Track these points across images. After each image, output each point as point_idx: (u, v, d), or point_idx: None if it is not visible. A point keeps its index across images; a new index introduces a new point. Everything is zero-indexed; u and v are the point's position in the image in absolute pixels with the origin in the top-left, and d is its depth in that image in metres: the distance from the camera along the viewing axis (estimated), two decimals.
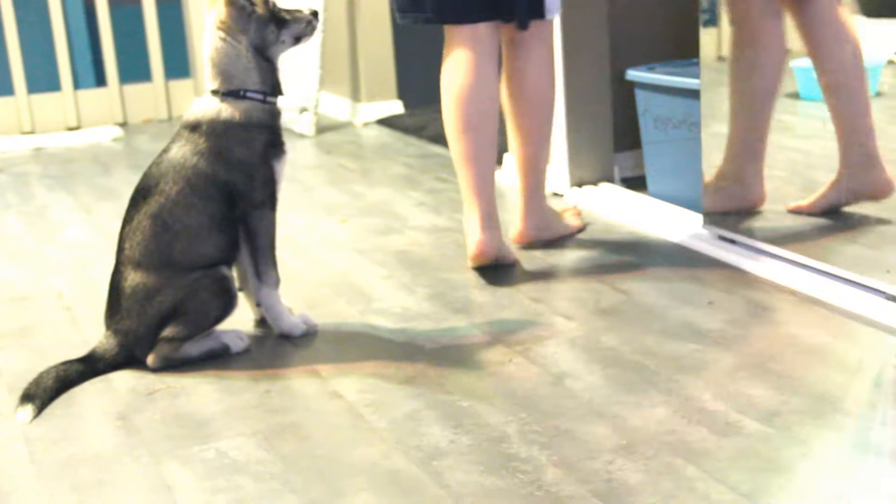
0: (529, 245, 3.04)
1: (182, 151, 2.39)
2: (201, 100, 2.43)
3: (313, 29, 2.47)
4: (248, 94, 2.39)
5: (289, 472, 1.91)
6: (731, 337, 2.37)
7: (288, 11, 2.44)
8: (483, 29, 2.83)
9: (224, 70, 2.39)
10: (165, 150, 2.42)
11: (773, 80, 2.92)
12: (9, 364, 2.47)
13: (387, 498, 1.80)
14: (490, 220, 2.83)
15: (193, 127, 2.40)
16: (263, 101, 2.41)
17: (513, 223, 3.08)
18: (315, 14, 2.47)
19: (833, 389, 2.08)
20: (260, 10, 2.39)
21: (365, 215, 3.57)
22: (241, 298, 2.52)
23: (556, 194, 3.60)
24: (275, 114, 2.44)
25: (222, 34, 2.37)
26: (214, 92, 2.40)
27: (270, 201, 2.45)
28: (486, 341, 2.44)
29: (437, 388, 2.21)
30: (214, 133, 2.38)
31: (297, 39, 2.45)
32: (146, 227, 2.37)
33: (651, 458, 1.87)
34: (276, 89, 2.44)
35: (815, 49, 2.85)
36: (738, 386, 2.12)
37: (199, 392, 2.26)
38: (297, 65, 4.87)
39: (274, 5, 2.42)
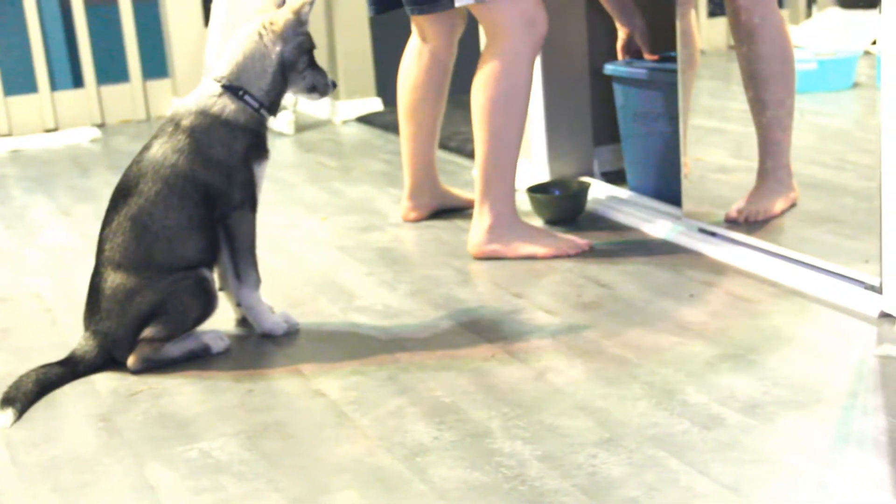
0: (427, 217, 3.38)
1: (163, 149, 2.39)
2: (200, 86, 2.44)
3: (327, 90, 2.52)
4: (246, 98, 2.40)
5: (272, 471, 1.90)
6: (712, 329, 2.37)
7: (317, 64, 2.51)
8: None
9: (241, 64, 2.41)
10: (147, 147, 2.42)
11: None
12: None
13: (371, 495, 1.80)
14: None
15: (178, 122, 2.39)
16: (256, 111, 2.41)
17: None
18: (334, 84, 2.54)
19: (814, 380, 2.09)
20: (307, 38, 2.45)
21: (345, 213, 3.57)
22: (222, 298, 2.51)
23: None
24: (262, 121, 2.44)
25: (263, 32, 2.40)
26: (218, 79, 2.41)
27: (250, 203, 2.44)
28: (468, 337, 2.44)
29: (419, 384, 2.21)
30: (198, 128, 2.38)
31: (313, 88, 2.50)
32: (126, 228, 2.36)
33: (634, 451, 1.87)
34: (272, 108, 2.45)
35: (742, 38, 2.88)
36: (719, 378, 2.13)
37: (182, 393, 2.26)
38: None
39: (314, 48, 2.49)
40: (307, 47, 2.45)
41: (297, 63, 2.44)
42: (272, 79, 2.42)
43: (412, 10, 2.97)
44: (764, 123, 2.90)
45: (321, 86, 2.51)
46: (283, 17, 2.40)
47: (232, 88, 2.40)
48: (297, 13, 2.41)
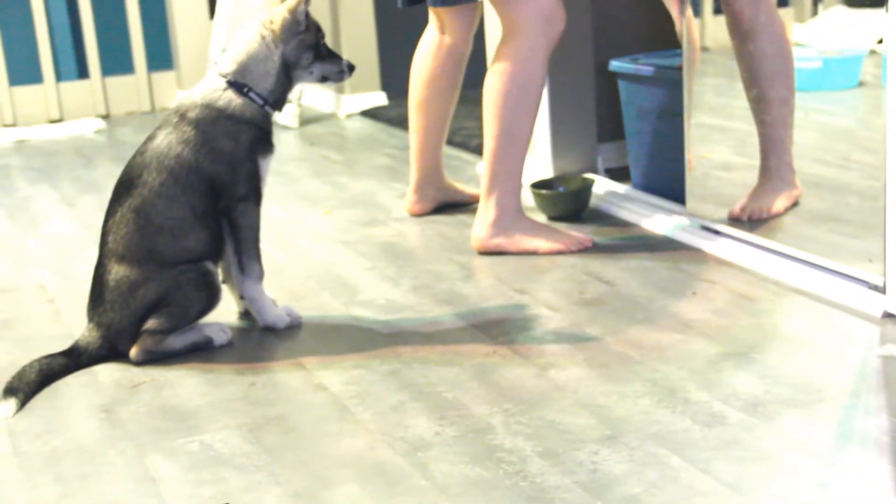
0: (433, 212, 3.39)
1: (168, 140, 2.39)
2: (205, 79, 2.44)
3: (342, 77, 2.51)
4: (251, 94, 2.40)
5: (274, 465, 1.91)
6: (714, 327, 2.37)
7: (329, 51, 2.49)
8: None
9: (245, 64, 2.41)
10: (151, 138, 2.42)
11: None
12: None
13: (372, 489, 1.80)
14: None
15: (184, 114, 2.39)
16: (261, 107, 2.41)
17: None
18: (351, 67, 2.52)
19: (816, 379, 2.09)
20: (309, 34, 2.42)
21: (349, 207, 3.57)
22: (225, 291, 2.51)
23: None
24: (267, 116, 2.44)
25: (265, 33, 2.39)
26: (223, 75, 2.41)
27: (255, 196, 2.44)
28: (470, 333, 2.44)
29: (421, 379, 2.21)
30: (204, 121, 2.38)
31: (324, 79, 2.49)
32: (130, 220, 2.36)
33: (635, 448, 1.87)
34: (278, 103, 2.45)
35: (742, 37, 2.88)
36: (721, 376, 2.13)
37: (184, 385, 2.26)
38: None
39: (322, 38, 2.47)
40: (310, 43, 2.44)
41: (299, 61, 2.43)
42: (276, 79, 2.42)
43: (437, 2, 2.98)
44: (766, 122, 2.90)
45: (333, 74, 2.49)
46: (281, 16, 2.40)
47: (237, 85, 2.40)
48: (293, 12, 2.40)
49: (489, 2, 2.90)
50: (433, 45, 3.21)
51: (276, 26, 2.39)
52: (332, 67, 2.49)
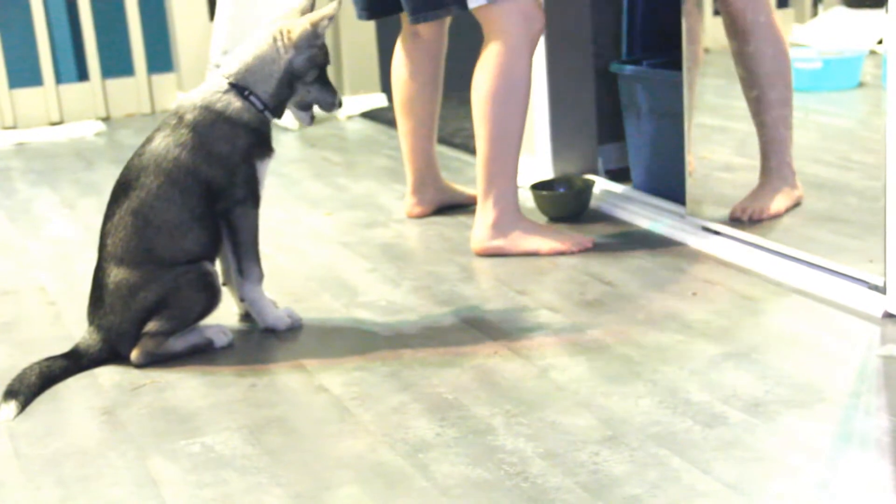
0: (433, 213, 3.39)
1: (165, 143, 2.39)
2: (207, 81, 2.44)
3: (332, 108, 2.51)
4: (251, 97, 2.40)
5: (275, 466, 1.91)
6: (715, 327, 2.37)
7: (328, 80, 2.49)
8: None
9: (249, 65, 2.40)
10: (149, 140, 2.42)
11: None
12: None
13: (373, 491, 1.80)
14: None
15: (182, 116, 2.39)
16: (260, 111, 2.41)
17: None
18: (341, 103, 2.51)
19: (817, 379, 2.09)
20: (320, 53, 2.42)
21: (349, 208, 3.57)
22: (226, 293, 2.52)
23: None
24: (266, 122, 2.44)
25: (278, 37, 2.39)
26: (226, 77, 2.41)
27: (253, 198, 2.44)
28: (471, 334, 2.44)
29: (422, 380, 2.21)
30: (201, 123, 2.38)
31: (314, 103, 2.49)
32: (128, 222, 2.36)
33: (636, 449, 1.87)
34: (277, 110, 2.45)
35: (740, 37, 2.88)
36: (722, 376, 2.13)
37: (185, 387, 2.26)
38: None
39: (327, 63, 2.46)
40: (319, 62, 2.43)
41: (305, 74, 2.42)
42: (277, 84, 2.41)
43: (419, 19, 2.94)
44: (766, 122, 2.90)
45: (325, 104, 2.48)
46: (301, 26, 2.40)
47: (238, 87, 2.40)
48: (315, 25, 2.39)
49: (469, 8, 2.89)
50: (408, 47, 3.21)
51: (295, 34, 2.38)
52: (328, 97, 2.48)
